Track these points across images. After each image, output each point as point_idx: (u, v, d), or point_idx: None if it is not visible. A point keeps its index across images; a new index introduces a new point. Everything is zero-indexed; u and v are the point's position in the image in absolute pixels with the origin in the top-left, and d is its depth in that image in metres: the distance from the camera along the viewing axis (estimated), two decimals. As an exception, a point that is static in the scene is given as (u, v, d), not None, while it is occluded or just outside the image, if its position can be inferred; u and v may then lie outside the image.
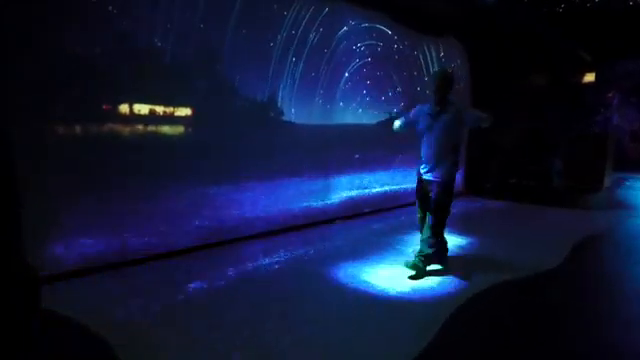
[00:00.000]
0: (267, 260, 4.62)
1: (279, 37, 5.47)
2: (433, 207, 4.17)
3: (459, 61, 9.35)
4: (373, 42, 6.99)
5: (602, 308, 3.65)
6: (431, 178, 4.18)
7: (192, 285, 3.83)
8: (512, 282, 4.16)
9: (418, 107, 4.35)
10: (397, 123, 4.45)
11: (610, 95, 13.99)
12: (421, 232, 4.39)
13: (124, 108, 4.17)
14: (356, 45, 6.67)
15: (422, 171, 4.26)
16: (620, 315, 3.50)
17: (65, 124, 3.83)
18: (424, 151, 4.24)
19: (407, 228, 6.08)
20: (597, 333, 3.18)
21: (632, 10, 9.63)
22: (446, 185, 4.14)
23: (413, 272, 4.22)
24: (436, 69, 3.68)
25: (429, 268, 4.33)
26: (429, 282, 4.10)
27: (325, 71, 6.22)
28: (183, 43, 4.50)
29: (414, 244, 5.12)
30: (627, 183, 11.91)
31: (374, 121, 7.05)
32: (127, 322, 3.12)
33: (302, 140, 5.98)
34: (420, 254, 4.25)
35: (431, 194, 4.19)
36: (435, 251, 4.26)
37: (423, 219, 4.38)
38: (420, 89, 8.13)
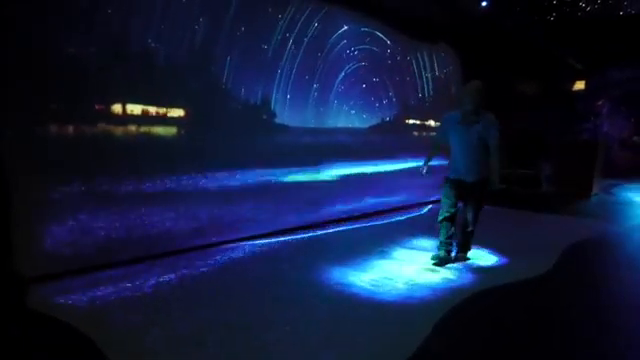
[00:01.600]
0: (263, 263, 4.63)
1: (273, 40, 5.49)
2: (475, 204, 4.63)
3: (452, 67, 9.42)
4: (366, 47, 7.03)
5: (591, 313, 3.70)
6: (471, 179, 4.49)
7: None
8: (506, 285, 4.21)
9: (445, 118, 4.74)
10: (433, 147, 4.95)
11: (600, 103, 14.15)
12: (446, 230, 4.69)
13: (117, 108, 4.16)
14: (350, 49, 6.71)
15: (459, 174, 4.55)
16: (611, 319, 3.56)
17: (56, 124, 3.82)
18: (459, 156, 4.53)
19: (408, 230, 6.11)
20: (588, 336, 3.22)
21: (622, 19, 9.78)
22: (484, 183, 4.50)
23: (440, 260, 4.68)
24: (470, 82, 4.02)
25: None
26: (422, 283, 4.13)
27: (319, 74, 6.25)
28: (176, 45, 4.50)
29: (416, 245, 5.19)
30: (615, 190, 12.05)
31: (366, 125, 7.09)
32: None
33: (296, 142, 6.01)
34: (463, 247, 4.84)
35: (471, 194, 4.58)
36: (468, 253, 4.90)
37: (451, 219, 4.67)
38: (412, 94, 8.19)
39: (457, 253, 4.86)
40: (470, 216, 4.69)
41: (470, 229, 4.74)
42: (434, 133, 4.86)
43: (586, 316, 3.64)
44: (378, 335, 3.10)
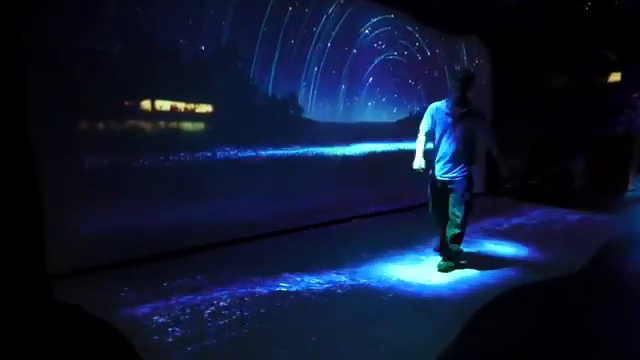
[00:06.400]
0: (287, 258, 4.62)
1: (299, 34, 5.44)
2: (460, 204, 4.17)
3: (481, 60, 9.22)
4: (395, 40, 6.92)
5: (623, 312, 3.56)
6: (454, 176, 4.18)
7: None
8: (538, 283, 4.11)
9: (432, 107, 4.29)
10: (422, 139, 4.32)
11: (636, 96, 13.64)
12: (439, 229, 4.46)
13: (145, 105, 4.19)
14: (377, 43, 6.61)
15: (442, 171, 4.23)
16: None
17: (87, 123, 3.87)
18: (444, 150, 4.21)
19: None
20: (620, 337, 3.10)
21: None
22: (469, 181, 4.21)
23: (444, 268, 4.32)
24: (458, 68, 3.71)
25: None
26: (453, 280, 4.08)
27: (347, 68, 6.18)
28: (202, 42, 4.51)
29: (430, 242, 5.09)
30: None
31: (394, 120, 7.00)
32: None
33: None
34: (448, 254, 4.34)
35: (453, 192, 4.19)
36: (459, 247, 4.36)
37: (440, 218, 4.38)
38: (441, 87, 8.02)
39: (446, 246, 4.37)
40: (457, 214, 4.20)
41: (458, 230, 4.23)
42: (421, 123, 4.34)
43: (617, 315, 3.52)
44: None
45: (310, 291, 3.73)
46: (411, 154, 4.31)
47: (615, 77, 12.14)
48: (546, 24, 9.04)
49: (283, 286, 3.80)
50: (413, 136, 4.41)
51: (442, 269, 4.31)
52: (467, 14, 7.98)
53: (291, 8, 5.26)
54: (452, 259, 4.37)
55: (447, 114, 4.16)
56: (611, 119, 12.93)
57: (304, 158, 5.71)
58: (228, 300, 3.45)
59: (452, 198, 4.21)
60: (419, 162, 4.22)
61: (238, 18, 4.72)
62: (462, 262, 4.49)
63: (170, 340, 2.83)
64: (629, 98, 13.77)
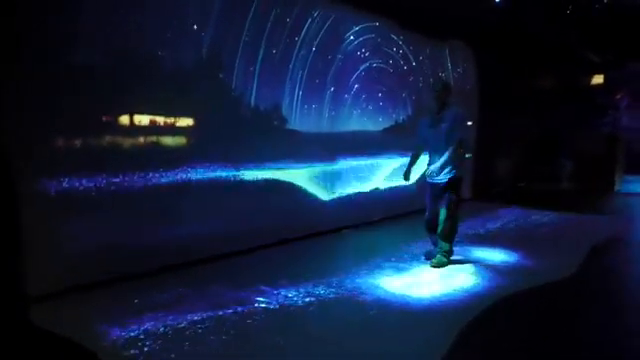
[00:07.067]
0: (266, 271, 4.52)
1: (281, 43, 5.37)
2: (446, 208, 4.52)
3: (467, 64, 9.25)
4: (380, 47, 6.89)
5: (617, 315, 3.52)
6: (440, 180, 4.54)
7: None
8: (528, 290, 4.07)
9: (419, 122, 4.85)
10: (414, 153, 4.93)
11: (619, 97, 13.81)
12: (430, 231, 4.81)
13: (123, 120, 4.09)
14: (361, 51, 6.57)
15: (430, 175, 4.61)
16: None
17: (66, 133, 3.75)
18: (430, 154, 4.67)
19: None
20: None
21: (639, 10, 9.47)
22: (455, 183, 4.55)
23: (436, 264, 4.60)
24: (435, 79, 4.19)
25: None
26: (442, 290, 4.01)
27: (330, 76, 6.13)
28: (184, 49, 4.41)
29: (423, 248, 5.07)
30: (638, 186, 11.68)
31: (380, 128, 6.97)
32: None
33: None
34: (441, 250, 4.61)
35: (441, 194, 4.56)
36: (451, 245, 4.67)
37: (432, 220, 4.70)
38: (426, 94, 8.02)
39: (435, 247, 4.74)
40: (442, 215, 4.55)
41: (441, 232, 4.57)
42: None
43: (611, 319, 3.49)
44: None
45: (290, 304, 3.63)
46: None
47: (598, 79, 12.29)
48: (530, 26, 9.11)
49: (260, 300, 3.69)
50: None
51: (434, 264, 4.59)
52: (452, 18, 8.00)
53: (272, 17, 5.19)
54: (444, 255, 4.61)
55: (429, 123, 4.63)
56: (596, 120, 13.08)
57: (288, 169, 5.62)
58: (204, 316, 3.34)
59: (441, 199, 4.59)
60: (406, 174, 4.90)
61: (218, 28, 4.64)
62: (451, 267, 4.61)
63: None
64: (612, 99, 13.94)
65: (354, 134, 6.64)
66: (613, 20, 9.39)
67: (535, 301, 3.90)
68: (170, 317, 3.30)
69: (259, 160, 5.19)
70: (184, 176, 4.48)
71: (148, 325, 3.17)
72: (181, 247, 4.42)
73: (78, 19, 3.68)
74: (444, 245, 4.61)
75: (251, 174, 5.11)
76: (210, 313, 3.39)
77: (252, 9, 4.94)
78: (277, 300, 3.70)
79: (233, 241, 4.90)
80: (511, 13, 7.95)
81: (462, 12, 7.67)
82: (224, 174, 4.84)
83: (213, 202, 4.73)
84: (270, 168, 5.33)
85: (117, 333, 3.05)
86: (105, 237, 3.90)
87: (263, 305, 3.60)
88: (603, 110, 13.16)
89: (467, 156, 4.78)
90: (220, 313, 3.41)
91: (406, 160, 5.03)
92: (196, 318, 3.30)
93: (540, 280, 4.28)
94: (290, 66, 5.54)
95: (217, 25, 4.62)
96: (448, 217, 4.52)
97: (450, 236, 4.62)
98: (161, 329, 3.12)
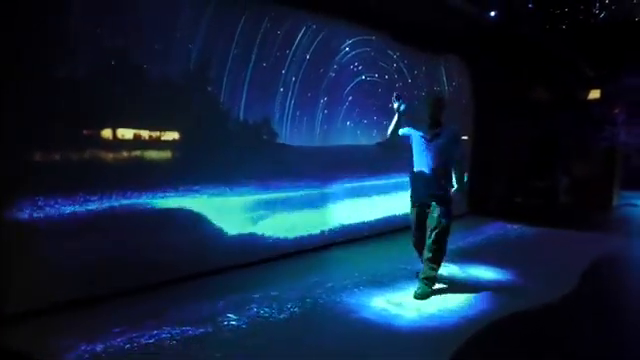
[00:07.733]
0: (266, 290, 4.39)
1: (272, 56, 5.31)
2: (435, 229, 4.13)
3: (461, 78, 9.20)
4: (373, 61, 6.83)
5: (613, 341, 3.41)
6: (430, 199, 4.20)
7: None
8: (524, 311, 3.98)
9: (413, 127, 4.37)
10: (395, 128, 4.29)
11: (616, 111, 13.77)
12: (419, 254, 4.45)
13: (106, 134, 4.00)
14: (354, 64, 6.51)
15: (418, 194, 4.31)
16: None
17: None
18: (419, 174, 4.25)
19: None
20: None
21: (636, 25, 9.48)
22: (446, 203, 4.19)
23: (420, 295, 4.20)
24: (428, 94, 3.90)
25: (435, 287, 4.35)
26: (437, 309, 3.93)
27: (323, 91, 6.06)
28: (173, 63, 4.35)
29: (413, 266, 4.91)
30: (636, 202, 11.58)
31: (373, 142, 6.88)
32: None
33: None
34: (425, 278, 4.23)
35: (431, 215, 4.19)
36: (437, 271, 4.30)
37: (420, 242, 4.38)
38: (419, 107, 7.94)
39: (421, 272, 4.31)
40: (433, 237, 4.14)
41: (427, 259, 4.20)
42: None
43: (605, 343, 3.40)
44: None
45: (269, 322, 3.54)
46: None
47: (595, 94, 12.26)
48: (525, 41, 9.09)
49: (232, 318, 3.58)
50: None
51: (417, 295, 4.18)
52: (447, 33, 7.98)
53: (262, 30, 5.13)
54: (428, 284, 4.25)
55: (422, 136, 4.27)
56: (594, 135, 13.02)
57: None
58: (178, 337, 3.22)
59: (429, 220, 4.22)
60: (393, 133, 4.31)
61: (207, 40, 4.58)
62: (440, 287, 4.40)
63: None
64: (610, 113, 13.89)
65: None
66: (609, 34, 9.39)
67: (526, 324, 3.79)
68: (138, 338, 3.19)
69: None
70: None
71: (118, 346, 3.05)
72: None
73: (60, 31, 3.61)
74: (429, 272, 4.22)
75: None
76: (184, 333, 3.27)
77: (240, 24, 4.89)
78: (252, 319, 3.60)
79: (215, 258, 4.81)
80: (506, 28, 7.91)
81: (457, 27, 7.64)
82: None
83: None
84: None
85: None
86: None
87: (234, 323, 3.50)
88: (601, 125, 13.12)
89: (465, 179, 4.53)
90: (193, 332, 3.29)
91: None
92: (168, 339, 3.18)
93: (532, 301, 4.18)
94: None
95: (206, 38, 4.55)
96: (437, 240, 4.15)
97: (437, 261, 4.24)
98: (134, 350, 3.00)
